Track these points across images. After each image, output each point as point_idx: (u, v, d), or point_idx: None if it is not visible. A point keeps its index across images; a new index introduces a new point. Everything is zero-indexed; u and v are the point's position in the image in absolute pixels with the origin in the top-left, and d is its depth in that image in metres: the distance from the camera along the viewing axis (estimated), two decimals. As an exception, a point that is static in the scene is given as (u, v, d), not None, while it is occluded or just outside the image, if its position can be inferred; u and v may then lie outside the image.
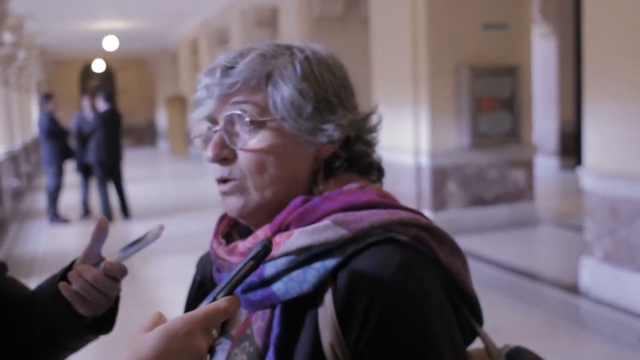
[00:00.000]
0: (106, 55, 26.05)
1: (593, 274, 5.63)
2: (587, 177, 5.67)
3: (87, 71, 28.88)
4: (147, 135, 29.48)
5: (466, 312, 1.12)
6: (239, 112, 1.06)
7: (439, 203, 8.04)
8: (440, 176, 8.03)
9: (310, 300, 1.01)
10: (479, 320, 1.16)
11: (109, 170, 10.50)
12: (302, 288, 1.00)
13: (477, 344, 1.18)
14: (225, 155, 1.08)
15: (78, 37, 21.73)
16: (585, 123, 5.79)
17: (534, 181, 8.62)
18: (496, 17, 8.17)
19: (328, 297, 0.99)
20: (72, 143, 10.84)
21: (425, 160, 8.01)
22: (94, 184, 11.28)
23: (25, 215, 11.78)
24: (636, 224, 5.20)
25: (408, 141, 8.21)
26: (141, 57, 28.61)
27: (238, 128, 1.07)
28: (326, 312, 0.99)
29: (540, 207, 8.91)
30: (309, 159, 1.10)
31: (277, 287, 1.01)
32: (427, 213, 7.91)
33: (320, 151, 1.10)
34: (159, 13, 18.03)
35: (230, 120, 1.08)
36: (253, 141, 1.06)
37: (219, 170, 1.10)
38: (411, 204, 7.60)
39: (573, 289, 5.83)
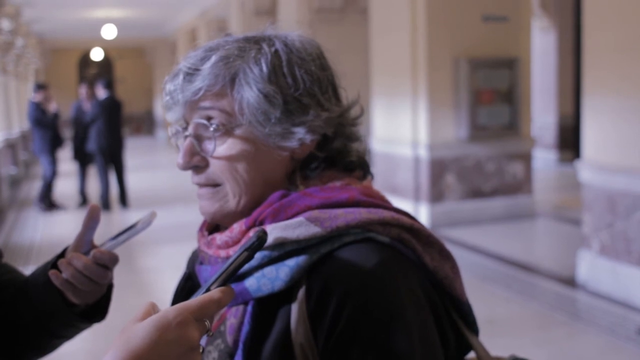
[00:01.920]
0: (105, 44, 25.99)
1: (590, 267, 5.64)
2: (585, 170, 5.68)
3: (85, 60, 28.80)
4: (145, 125, 29.42)
5: (457, 319, 1.07)
6: (203, 121, 1.03)
7: (437, 195, 8.04)
8: (438, 168, 8.03)
9: (283, 297, 0.98)
10: (472, 327, 1.11)
11: (110, 158, 10.48)
12: (274, 286, 0.97)
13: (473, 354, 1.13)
14: (196, 163, 1.05)
15: (76, 25, 21.68)
16: (584, 116, 5.78)
17: (532, 174, 8.63)
18: (496, 9, 8.16)
19: (300, 296, 0.96)
20: (64, 132, 10.80)
21: (423, 152, 8.00)
22: (91, 173, 11.26)
23: (23, 203, 11.77)
24: (633, 217, 5.21)
25: (406, 133, 8.21)
26: (140, 46, 28.53)
27: (207, 134, 1.04)
28: (298, 311, 0.96)
29: (538, 200, 8.92)
30: (284, 161, 1.05)
31: (250, 282, 0.98)
32: (425, 205, 7.92)
33: (295, 152, 1.05)
34: (158, 2, 17.98)
35: (198, 127, 1.04)
36: (222, 148, 1.03)
37: (194, 177, 1.07)
38: (409, 196, 7.63)
39: (570, 281, 5.84)
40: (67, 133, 10.93)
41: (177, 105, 1.05)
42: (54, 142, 10.61)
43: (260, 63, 1.02)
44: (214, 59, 1.02)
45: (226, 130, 1.03)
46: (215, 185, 1.06)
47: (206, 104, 1.03)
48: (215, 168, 1.04)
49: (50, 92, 11.06)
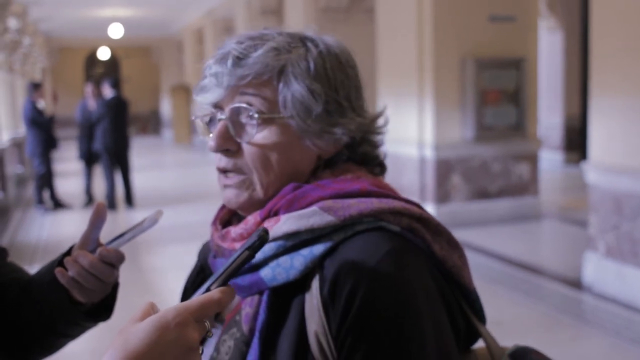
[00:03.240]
0: (111, 43, 26.03)
1: (596, 269, 5.62)
2: (592, 171, 5.66)
3: (92, 59, 28.88)
4: (151, 124, 29.48)
5: (465, 308, 1.09)
6: (246, 106, 1.04)
7: (443, 196, 8.03)
8: (444, 169, 8.02)
9: (297, 287, 0.99)
10: (480, 316, 1.12)
11: (116, 158, 10.49)
12: (289, 275, 0.98)
13: (481, 343, 1.14)
14: (228, 147, 1.06)
15: (83, 24, 21.73)
16: (590, 118, 5.77)
17: (538, 175, 8.61)
18: (502, 9, 8.14)
19: (315, 284, 0.98)
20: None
21: (429, 153, 7.99)
22: (97, 172, 11.28)
23: (29, 202, 11.79)
24: (640, 219, 5.19)
25: (413, 133, 8.20)
26: (146, 45, 28.58)
27: (244, 120, 1.05)
28: (312, 300, 0.97)
29: (544, 201, 8.90)
30: (313, 158, 1.08)
31: (265, 272, 1.00)
32: (431, 205, 7.91)
33: (324, 151, 1.08)
34: (165, 1, 18.01)
35: (237, 112, 1.05)
36: (259, 136, 1.04)
37: (221, 160, 1.08)
38: (415, 196, 7.61)
39: (576, 283, 5.82)
40: (72, 132, 10.91)
41: (220, 87, 1.05)
42: (48, 144, 10.54)
43: (308, 60, 1.05)
44: (265, 47, 1.04)
45: (265, 119, 1.04)
46: (241, 173, 1.07)
47: (249, 90, 1.04)
48: (248, 155, 1.05)
49: (44, 90, 11.02)
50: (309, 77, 1.03)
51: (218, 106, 1.08)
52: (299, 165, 1.07)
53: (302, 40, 1.08)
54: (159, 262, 7.35)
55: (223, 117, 1.07)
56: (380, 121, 1.14)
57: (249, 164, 1.05)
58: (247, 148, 1.05)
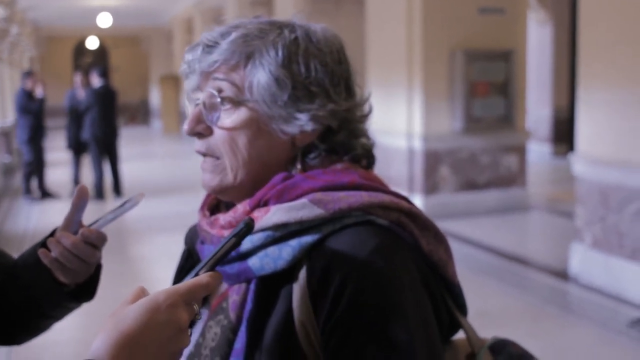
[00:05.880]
0: (100, 32, 25.89)
1: (582, 260, 5.67)
2: (579, 163, 5.69)
3: (80, 48, 28.72)
4: (140, 114, 29.36)
5: (449, 301, 1.10)
6: (213, 91, 1.06)
7: (431, 187, 8.06)
8: (432, 160, 8.04)
9: (285, 276, 1.00)
10: (462, 309, 1.14)
11: (104, 147, 10.46)
12: (276, 265, 0.99)
13: (461, 334, 1.16)
14: (199, 130, 1.09)
15: (72, 13, 21.59)
16: (578, 110, 5.80)
17: (526, 167, 8.65)
18: (492, 1, 8.16)
19: (302, 275, 0.99)
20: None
21: (418, 144, 8.01)
22: (85, 161, 11.24)
23: (17, 191, 11.74)
24: (626, 211, 5.23)
25: (401, 124, 8.21)
26: (135, 35, 28.44)
27: (216, 104, 1.07)
28: (300, 290, 0.99)
29: (532, 193, 8.95)
30: (284, 145, 1.08)
31: (253, 262, 1.01)
32: (419, 196, 7.94)
33: (296, 139, 1.07)
34: (154, -10, 17.91)
35: (209, 96, 1.08)
36: (227, 119, 1.06)
37: (197, 143, 1.11)
38: (403, 188, 7.63)
39: (562, 274, 5.87)
40: (61, 122, 10.86)
41: (194, 74, 1.09)
42: (37, 132, 10.52)
43: (277, 47, 1.05)
44: (234, 35, 1.06)
45: (233, 103, 1.06)
46: (215, 157, 1.09)
47: (219, 75, 1.06)
48: (217, 138, 1.07)
49: (38, 77, 10.98)
50: (276, 64, 1.04)
51: (201, 91, 1.11)
52: (269, 152, 1.07)
53: (280, 27, 1.08)
54: (147, 251, 7.34)
55: (198, 101, 1.10)
56: (364, 109, 1.14)
57: (220, 146, 1.07)
58: (217, 131, 1.07)
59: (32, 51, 23.76)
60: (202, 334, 1.07)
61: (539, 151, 13.26)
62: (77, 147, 10.90)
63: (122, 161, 11.18)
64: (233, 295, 1.05)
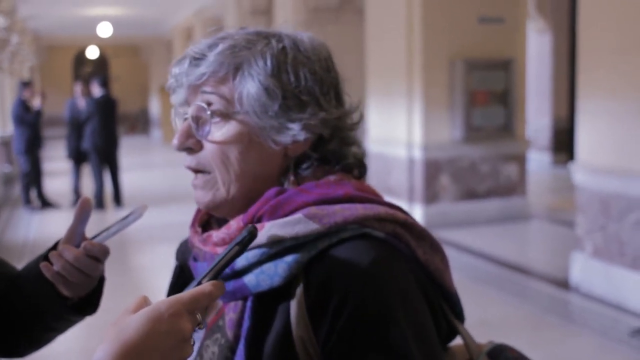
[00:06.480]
0: (100, 42, 25.92)
1: (583, 269, 5.66)
2: (579, 172, 5.69)
3: (80, 57, 28.75)
4: (140, 124, 29.37)
5: (446, 309, 1.10)
6: (202, 104, 1.04)
7: (431, 196, 8.05)
8: (432, 169, 8.04)
9: (282, 293, 0.99)
10: (460, 317, 1.14)
11: (104, 157, 10.46)
12: (273, 281, 0.98)
13: (458, 341, 1.17)
14: (189, 145, 1.06)
15: (72, 23, 21.63)
16: (578, 119, 5.80)
17: (526, 176, 8.64)
18: (492, 11, 8.17)
19: (299, 291, 0.97)
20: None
21: (418, 153, 8.01)
22: (86, 171, 11.24)
23: (17, 201, 11.73)
24: (627, 219, 5.23)
25: (401, 134, 8.21)
26: (135, 44, 28.49)
27: (205, 118, 1.05)
28: (297, 306, 0.97)
29: (532, 202, 8.94)
30: (277, 156, 1.06)
31: (249, 279, 0.99)
32: (419, 206, 7.94)
33: (289, 149, 1.06)
34: (154, 0, 17.95)
35: (198, 110, 1.06)
36: (217, 133, 1.04)
37: (187, 159, 1.09)
38: (403, 197, 7.63)
39: (563, 283, 5.86)
40: (61, 131, 10.87)
41: (181, 88, 1.08)
42: (34, 142, 10.50)
43: (265, 57, 1.03)
44: (221, 47, 1.04)
45: (223, 117, 1.04)
46: (206, 172, 1.07)
47: (208, 88, 1.05)
48: (208, 152, 1.05)
49: (36, 89, 10.98)
50: (265, 74, 1.02)
51: (189, 105, 1.10)
52: (262, 164, 1.06)
53: (267, 37, 1.07)
54: (148, 261, 7.34)
55: (187, 115, 1.08)
56: (355, 117, 1.13)
57: (210, 161, 1.06)
58: (207, 145, 1.06)
59: (32, 60, 23.77)
60: (200, 354, 1.06)
61: (539, 160, 13.26)
62: (78, 157, 10.90)
63: (122, 171, 11.18)
64: (229, 313, 1.03)
